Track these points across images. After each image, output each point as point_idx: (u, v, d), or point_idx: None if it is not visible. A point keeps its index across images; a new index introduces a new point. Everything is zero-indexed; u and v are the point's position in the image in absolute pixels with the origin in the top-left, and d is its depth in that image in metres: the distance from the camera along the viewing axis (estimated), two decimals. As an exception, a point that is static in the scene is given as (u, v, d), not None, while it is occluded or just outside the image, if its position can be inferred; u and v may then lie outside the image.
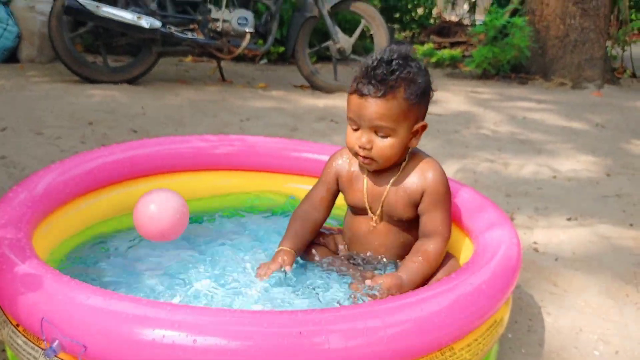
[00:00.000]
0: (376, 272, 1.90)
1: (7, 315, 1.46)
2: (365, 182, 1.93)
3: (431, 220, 1.86)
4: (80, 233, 2.03)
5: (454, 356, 1.44)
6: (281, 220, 2.34)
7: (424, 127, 1.84)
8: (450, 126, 4.87)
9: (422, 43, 9.02)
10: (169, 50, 5.46)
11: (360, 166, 1.94)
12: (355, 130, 1.82)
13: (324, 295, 1.76)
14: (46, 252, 1.79)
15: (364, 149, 1.80)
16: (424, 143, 4.14)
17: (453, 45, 9.19)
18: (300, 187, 2.38)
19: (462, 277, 1.51)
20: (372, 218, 1.93)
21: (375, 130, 1.78)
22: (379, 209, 1.91)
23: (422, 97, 1.79)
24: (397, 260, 1.95)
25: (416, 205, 1.88)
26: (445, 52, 8.34)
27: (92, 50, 6.75)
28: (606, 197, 3.33)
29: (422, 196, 1.86)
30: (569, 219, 2.96)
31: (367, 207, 1.93)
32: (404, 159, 1.89)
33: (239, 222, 2.32)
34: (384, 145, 1.79)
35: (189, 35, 5.30)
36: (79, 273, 1.82)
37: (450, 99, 6.00)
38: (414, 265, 1.80)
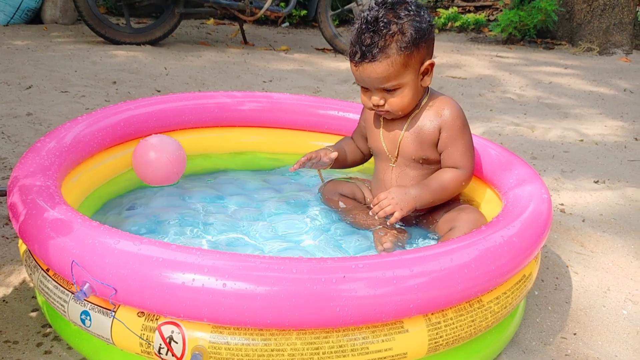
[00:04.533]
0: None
1: (37, 260, 1.48)
2: (382, 125, 1.94)
3: (451, 155, 1.86)
4: (107, 184, 2.04)
5: (482, 308, 1.43)
6: (299, 176, 2.34)
7: (432, 65, 1.81)
8: (474, 90, 4.80)
9: (447, 7, 8.86)
10: (191, 12, 5.42)
11: None
12: (366, 90, 1.82)
13: (347, 244, 1.77)
14: (76, 201, 1.80)
15: (378, 106, 1.81)
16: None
17: (478, 9, 9.02)
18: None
19: (493, 229, 1.49)
20: (390, 159, 1.94)
21: (383, 89, 1.78)
22: (396, 150, 1.91)
23: (420, 41, 1.74)
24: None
25: (434, 143, 1.87)
26: (470, 16, 8.20)
27: (114, 12, 6.74)
28: (634, 162, 3.27)
29: (439, 133, 1.85)
30: (596, 182, 2.92)
31: (385, 150, 1.93)
32: (421, 100, 1.88)
33: (262, 177, 2.32)
34: (396, 99, 1.80)
35: (211, -4, 5.26)
36: (107, 221, 1.83)
37: (474, 63, 5.90)
38: (427, 182, 1.85)
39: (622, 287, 2.00)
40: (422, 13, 1.76)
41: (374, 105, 1.82)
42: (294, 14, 7.40)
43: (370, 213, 1.84)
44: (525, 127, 3.82)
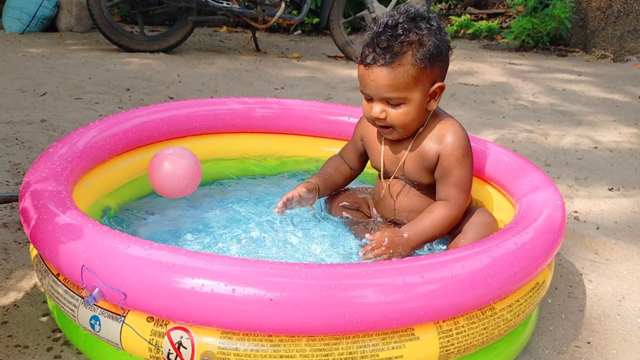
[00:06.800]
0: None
1: (47, 265, 1.48)
2: (383, 145, 1.88)
3: (444, 185, 1.78)
4: (118, 190, 2.04)
5: (494, 316, 1.41)
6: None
7: (442, 88, 1.74)
8: (487, 97, 4.78)
9: (459, 15, 8.84)
10: (204, 19, 5.45)
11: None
12: (369, 100, 1.75)
13: (345, 249, 1.76)
14: (86, 206, 1.80)
15: (379, 119, 1.74)
16: (459, 113, 4.12)
17: (490, 16, 8.98)
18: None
19: (506, 236, 1.47)
20: (387, 177, 1.89)
21: (387, 100, 1.70)
22: (396, 169, 1.85)
23: (435, 58, 1.68)
24: None
25: (432, 169, 1.80)
26: (483, 24, 8.16)
27: (128, 20, 6.79)
28: (650, 169, 3.24)
29: (437, 161, 1.78)
30: (610, 189, 2.89)
31: (383, 168, 1.89)
32: (424, 122, 1.80)
33: (273, 182, 2.32)
34: (398, 114, 1.71)
35: (224, 4, 5.28)
36: (118, 226, 1.84)
37: (486, 70, 5.87)
38: (420, 224, 1.74)
39: (637, 296, 1.97)
40: (443, 32, 1.71)
41: (374, 118, 1.74)
42: (306, 22, 7.41)
43: (360, 253, 1.71)
44: (538, 134, 3.80)
